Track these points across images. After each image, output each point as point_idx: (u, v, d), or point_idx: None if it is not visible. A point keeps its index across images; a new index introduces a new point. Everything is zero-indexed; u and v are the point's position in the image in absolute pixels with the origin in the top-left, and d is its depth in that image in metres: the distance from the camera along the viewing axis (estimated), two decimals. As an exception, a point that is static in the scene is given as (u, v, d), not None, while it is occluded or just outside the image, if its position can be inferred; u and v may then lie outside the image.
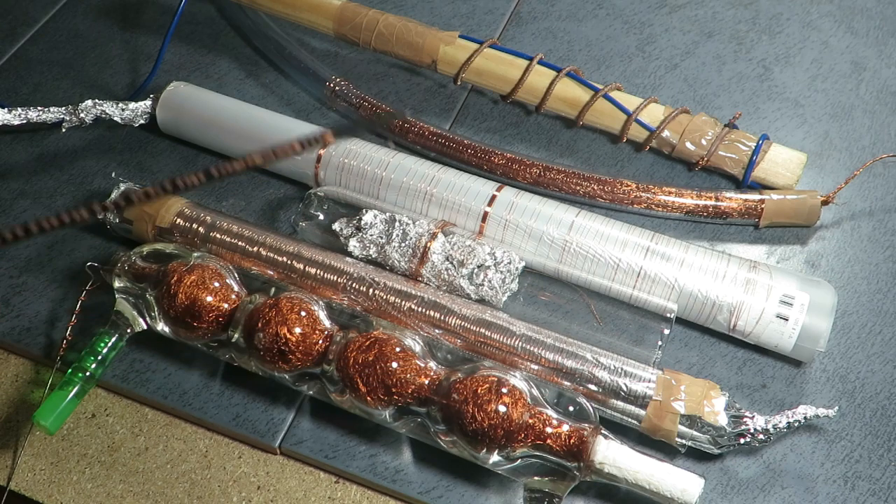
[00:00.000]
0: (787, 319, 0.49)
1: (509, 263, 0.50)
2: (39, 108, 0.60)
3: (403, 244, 0.51)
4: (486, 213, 0.53)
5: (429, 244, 0.51)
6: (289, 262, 0.51)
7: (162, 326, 0.50)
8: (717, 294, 0.50)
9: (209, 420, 0.50)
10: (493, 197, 0.54)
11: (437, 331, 0.49)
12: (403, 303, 0.49)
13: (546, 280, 0.51)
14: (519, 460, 0.45)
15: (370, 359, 0.45)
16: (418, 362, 0.46)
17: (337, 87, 0.63)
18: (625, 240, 0.51)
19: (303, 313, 0.47)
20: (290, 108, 0.64)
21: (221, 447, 0.50)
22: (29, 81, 0.67)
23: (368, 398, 0.45)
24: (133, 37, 0.69)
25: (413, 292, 0.50)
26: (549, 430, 0.44)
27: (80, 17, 0.71)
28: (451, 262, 0.50)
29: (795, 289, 0.49)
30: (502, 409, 0.43)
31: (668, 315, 0.49)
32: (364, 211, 0.53)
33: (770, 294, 0.49)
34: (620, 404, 0.46)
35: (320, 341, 0.47)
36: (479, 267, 0.50)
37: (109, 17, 0.71)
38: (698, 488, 0.42)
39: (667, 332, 0.49)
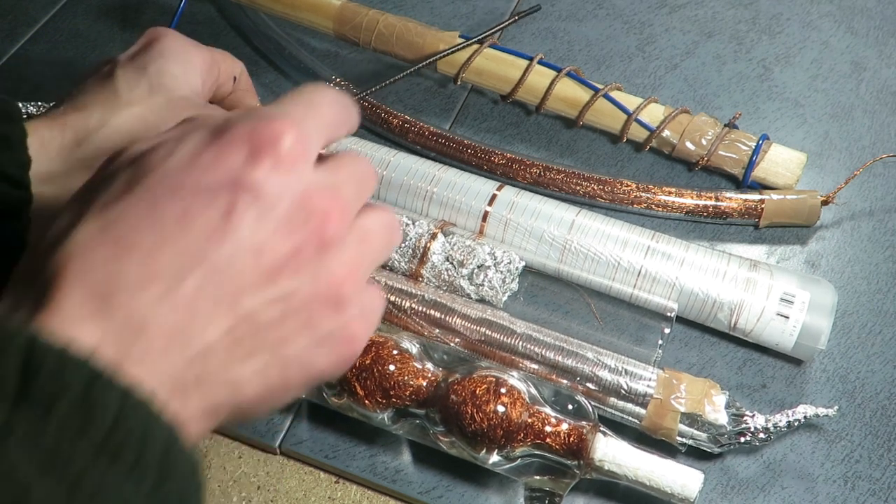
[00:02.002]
0: (787, 317, 0.49)
1: (509, 263, 0.50)
2: (40, 103, 0.60)
3: (403, 244, 0.51)
4: (486, 213, 0.53)
5: (429, 244, 0.51)
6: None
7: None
8: (717, 292, 0.50)
9: (209, 420, 0.50)
10: (494, 196, 0.54)
11: (436, 330, 0.49)
12: (404, 302, 0.49)
13: (547, 279, 0.51)
14: (519, 460, 0.45)
15: (367, 362, 0.45)
16: (416, 364, 0.46)
17: (337, 87, 0.63)
18: (625, 239, 0.51)
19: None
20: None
21: (221, 447, 0.50)
22: (29, 81, 0.67)
23: (366, 401, 0.45)
24: (133, 37, 0.69)
25: (413, 291, 0.50)
26: (548, 428, 0.44)
27: (81, 17, 0.71)
28: (451, 263, 0.50)
29: (796, 287, 0.49)
30: (501, 409, 0.43)
31: (669, 314, 0.49)
32: (364, 210, 0.53)
33: (771, 292, 0.49)
34: (621, 403, 0.46)
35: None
36: (479, 267, 0.50)
37: (110, 17, 0.71)
38: (698, 483, 0.42)
39: (667, 330, 0.49)
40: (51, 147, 0.40)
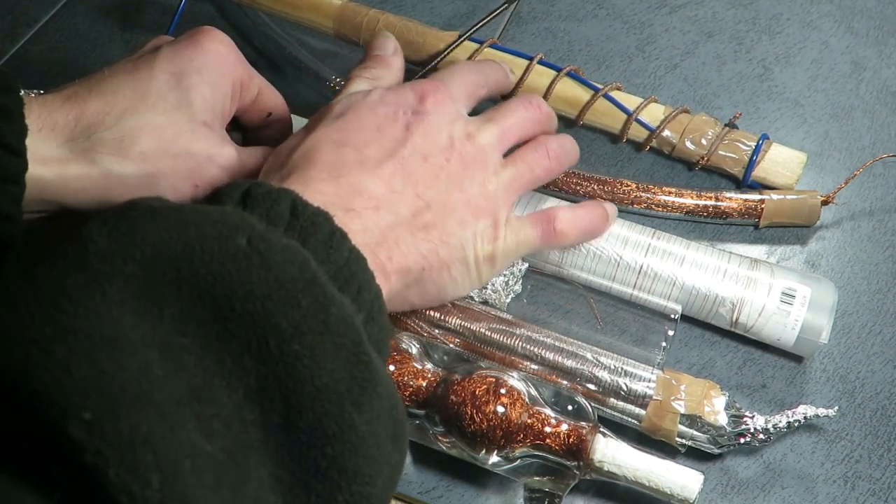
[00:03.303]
0: (789, 313, 0.49)
1: (513, 266, 0.50)
2: (41, 91, 0.60)
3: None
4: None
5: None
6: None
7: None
8: (719, 289, 0.50)
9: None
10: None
11: (436, 331, 0.49)
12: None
13: (550, 281, 0.51)
14: (518, 460, 0.45)
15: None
16: (415, 364, 0.46)
17: (337, 87, 0.63)
18: (626, 236, 0.51)
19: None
20: (290, 108, 0.64)
21: (221, 447, 0.50)
22: (29, 81, 0.66)
23: (368, 399, 0.45)
24: (133, 37, 0.69)
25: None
26: (547, 429, 0.44)
27: (81, 17, 0.71)
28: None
29: (797, 283, 0.49)
30: (501, 409, 0.43)
31: (673, 316, 0.49)
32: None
33: (772, 288, 0.49)
34: (621, 404, 0.46)
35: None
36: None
37: (110, 17, 0.71)
38: (698, 484, 0.42)
39: (671, 333, 0.49)
40: (62, 133, 0.42)
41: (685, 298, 0.50)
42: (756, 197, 0.56)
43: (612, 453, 0.43)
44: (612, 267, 0.51)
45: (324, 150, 0.40)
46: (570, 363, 0.47)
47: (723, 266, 0.50)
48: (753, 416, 0.46)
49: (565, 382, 0.47)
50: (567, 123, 0.63)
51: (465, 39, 0.60)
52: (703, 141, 0.58)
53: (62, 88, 0.44)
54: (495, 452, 0.44)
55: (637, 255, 0.51)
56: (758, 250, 0.56)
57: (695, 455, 0.47)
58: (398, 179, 0.41)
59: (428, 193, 0.42)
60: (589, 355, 0.47)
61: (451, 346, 0.49)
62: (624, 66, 0.66)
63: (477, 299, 0.50)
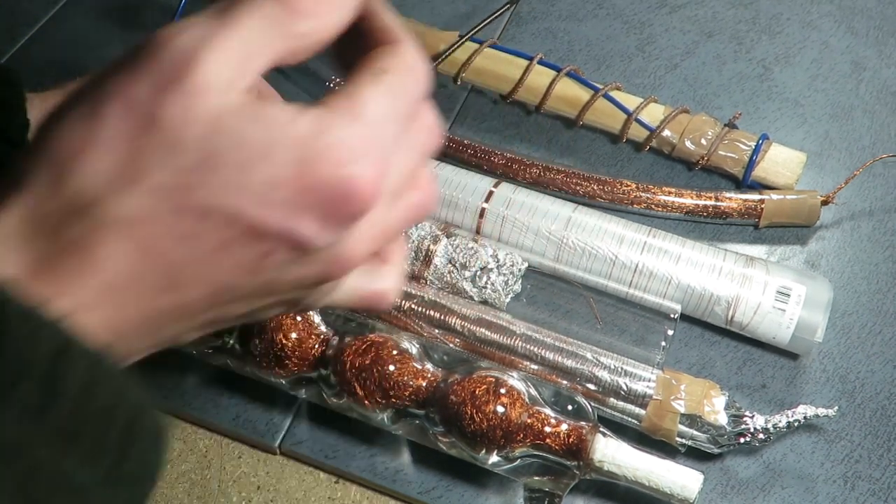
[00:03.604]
0: (784, 311, 0.49)
1: (512, 265, 0.50)
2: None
3: (407, 247, 0.51)
4: (483, 209, 0.53)
5: (432, 247, 0.51)
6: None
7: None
8: (714, 286, 0.50)
9: (209, 420, 0.50)
10: (490, 193, 0.54)
11: (436, 331, 0.49)
12: (403, 303, 0.49)
13: (550, 280, 0.51)
14: (518, 460, 0.45)
15: (367, 362, 0.45)
16: (415, 364, 0.46)
17: (337, 87, 0.63)
18: (622, 235, 0.51)
19: (298, 318, 0.47)
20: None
21: (221, 447, 0.50)
22: (29, 82, 0.67)
23: (366, 402, 0.45)
24: (133, 37, 0.69)
25: (413, 292, 0.50)
26: (547, 429, 0.44)
27: (81, 18, 0.71)
28: (454, 265, 0.50)
29: (791, 281, 0.49)
30: (500, 409, 0.43)
31: (673, 316, 0.49)
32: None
33: (767, 286, 0.49)
34: (621, 404, 0.46)
35: (316, 346, 0.47)
36: (481, 269, 0.50)
37: (110, 18, 0.71)
38: (698, 484, 0.42)
39: (671, 332, 0.49)
40: None
41: (681, 297, 0.50)
42: (756, 197, 0.56)
43: (612, 453, 0.43)
44: (607, 265, 0.51)
45: (119, 247, 0.23)
46: (570, 363, 0.47)
47: (718, 264, 0.50)
48: (753, 416, 0.46)
49: (565, 382, 0.47)
50: (567, 123, 0.63)
51: (466, 40, 0.60)
52: (703, 141, 0.58)
53: (64, 85, 0.44)
54: (495, 452, 0.44)
55: (633, 254, 0.51)
56: (758, 250, 0.56)
57: (695, 455, 0.47)
58: (196, 318, 0.27)
59: (237, 319, 0.28)
60: (589, 355, 0.47)
61: (451, 346, 0.49)
62: (624, 66, 0.66)
63: (477, 299, 0.50)
